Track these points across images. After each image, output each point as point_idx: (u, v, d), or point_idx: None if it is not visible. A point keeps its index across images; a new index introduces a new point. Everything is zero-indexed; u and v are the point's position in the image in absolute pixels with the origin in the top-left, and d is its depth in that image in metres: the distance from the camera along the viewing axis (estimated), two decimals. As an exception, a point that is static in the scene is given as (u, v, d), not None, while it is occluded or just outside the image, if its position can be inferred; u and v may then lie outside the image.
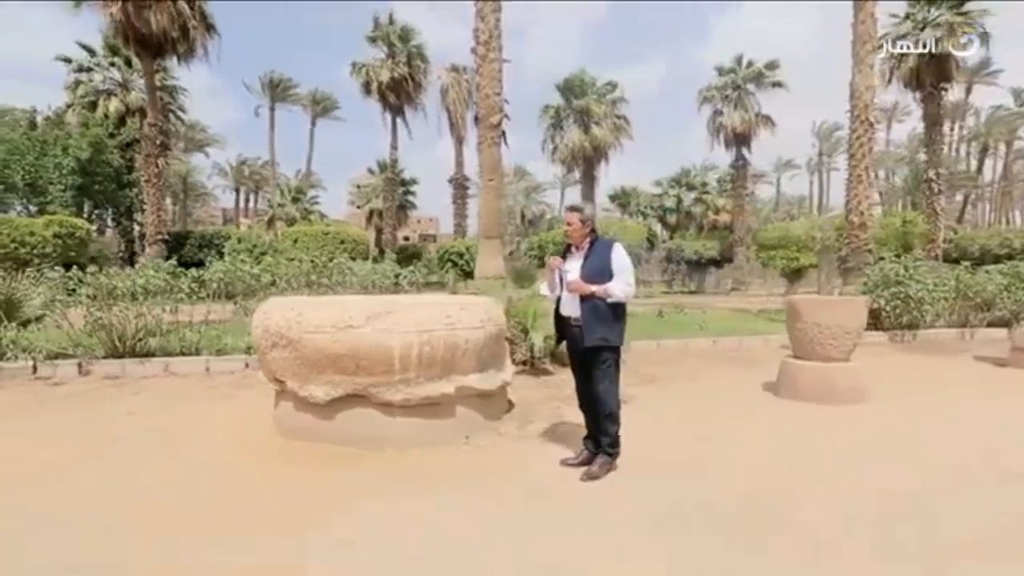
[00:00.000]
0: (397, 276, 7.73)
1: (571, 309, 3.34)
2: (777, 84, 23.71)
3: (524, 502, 3.01)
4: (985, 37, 18.69)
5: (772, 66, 23.64)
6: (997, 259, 15.80)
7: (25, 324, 7.06)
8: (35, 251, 16.72)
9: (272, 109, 49.21)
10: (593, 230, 3.37)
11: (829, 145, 50.97)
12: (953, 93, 25.06)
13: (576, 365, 3.47)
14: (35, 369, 6.48)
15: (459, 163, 28.20)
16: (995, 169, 47.25)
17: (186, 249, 21.96)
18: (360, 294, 7.41)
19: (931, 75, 18.55)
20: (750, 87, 24.10)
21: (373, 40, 25.71)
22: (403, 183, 32.47)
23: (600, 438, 3.33)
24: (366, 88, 25.59)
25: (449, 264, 20.09)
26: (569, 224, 3.37)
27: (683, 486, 3.17)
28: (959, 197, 39.67)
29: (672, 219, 31.02)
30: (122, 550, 2.50)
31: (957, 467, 3.49)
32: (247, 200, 58.58)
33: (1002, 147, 44.67)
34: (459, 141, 27.40)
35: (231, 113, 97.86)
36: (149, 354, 6.94)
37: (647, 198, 32.04)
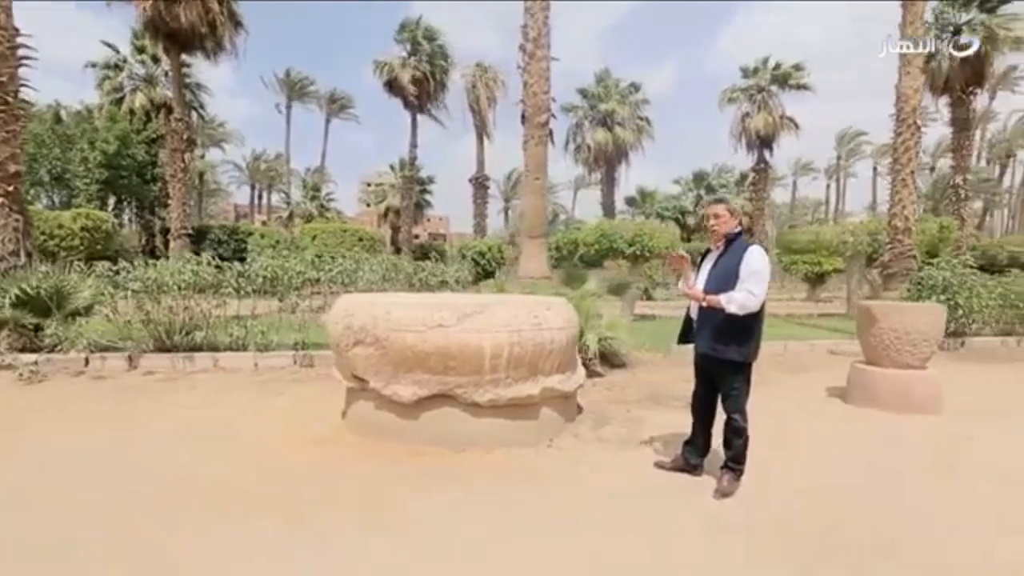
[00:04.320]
0: (443, 274, 7.67)
1: (694, 311, 3.24)
2: (803, 86, 23.49)
3: (612, 507, 2.94)
4: (1017, 42, 18.37)
5: (799, 67, 23.43)
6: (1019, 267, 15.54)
7: (73, 316, 7.06)
8: (63, 244, 16.84)
9: (289, 107, 49.53)
10: (740, 223, 3.14)
11: (848, 150, 50.51)
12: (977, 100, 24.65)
13: (697, 369, 3.35)
14: (87, 362, 6.48)
15: (480, 162, 28.18)
16: (1013, 176, 46.72)
17: (205, 243, 22.06)
18: (407, 291, 7.36)
19: (963, 79, 18.29)
20: (774, 89, 23.90)
21: (400, 40, 25.76)
22: (420, 182, 32.51)
23: (724, 452, 3.19)
24: (388, 86, 25.61)
25: (471, 263, 20.02)
26: (717, 217, 3.09)
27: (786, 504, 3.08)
28: (978, 204, 39.17)
29: (690, 221, 30.78)
30: (197, 539, 2.46)
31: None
32: (260, 196, 58.84)
33: (1022, 154, 44.11)
34: (482, 140, 27.39)
35: (244, 109, 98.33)
36: (196, 348, 6.93)
37: (665, 199, 31.81)
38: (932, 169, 41.58)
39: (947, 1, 17.83)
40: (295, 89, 48.89)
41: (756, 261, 2.96)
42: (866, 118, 59.72)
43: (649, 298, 20.37)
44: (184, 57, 19.29)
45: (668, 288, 28.34)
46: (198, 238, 21.60)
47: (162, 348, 6.85)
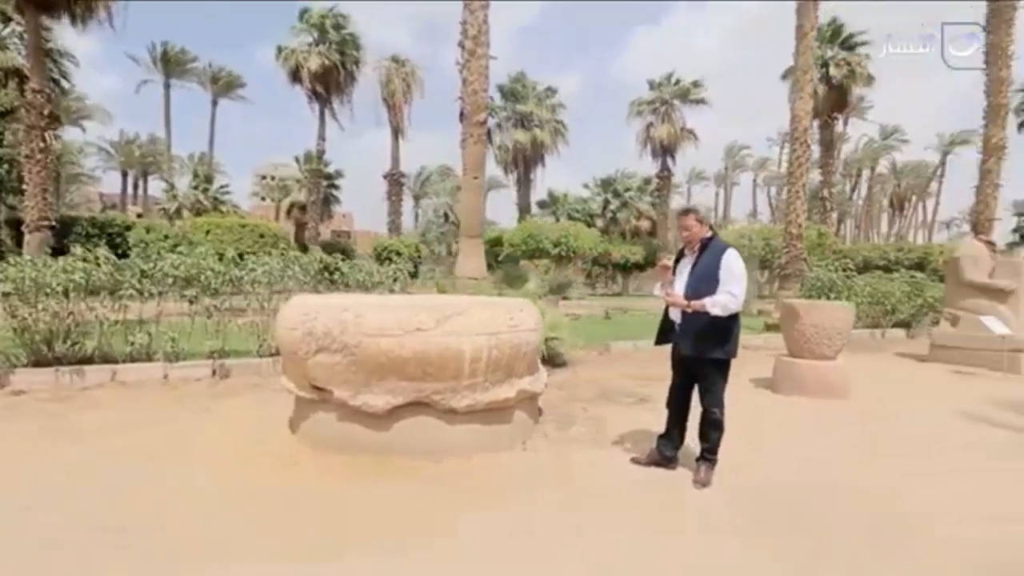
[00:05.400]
0: (379, 273, 7.30)
1: (675, 314, 3.34)
2: (700, 101, 25.67)
3: (600, 506, 2.98)
4: (870, 79, 21.56)
5: (697, 84, 25.56)
6: (878, 269, 18.23)
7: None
8: None
9: (167, 85, 44.13)
10: (711, 228, 3.31)
11: (733, 162, 56.05)
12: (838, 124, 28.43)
13: (676, 366, 3.47)
14: (-67, 381, 5.30)
15: (395, 158, 27.22)
16: (859, 191, 54.79)
17: (72, 237, 19.07)
18: (341, 292, 6.89)
19: (830, 106, 21.05)
20: (676, 103, 25.84)
21: (303, 27, 24.11)
22: (327, 177, 30.74)
23: (701, 444, 3.33)
24: (293, 75, 23.92)
25: (387, 262, 19.31)
26: (687, 229, 3.26)
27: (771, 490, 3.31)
28: (834, 215, 45.38)
29: (599, 223, 32.25)
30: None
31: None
32: (135, 185, 52.11)
33: (866, 172, 52.02)
34: (397, 136, 26.45)
35: (112, 84, 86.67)
36: (86, 360, 5.96)
37: (575, 201, 33.03)
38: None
39: (817, 38, 20.44)
40: (172, 65, 43.58)
41: (734, 264, 3.14)
42: (751, 129, 66.80)
43: (566, 298, 21.07)
44: (44, 20, 16.50)
45: (578, 288, 29.56)
46: (62, 231, 18.64)
47: (41, 362, 5.80)
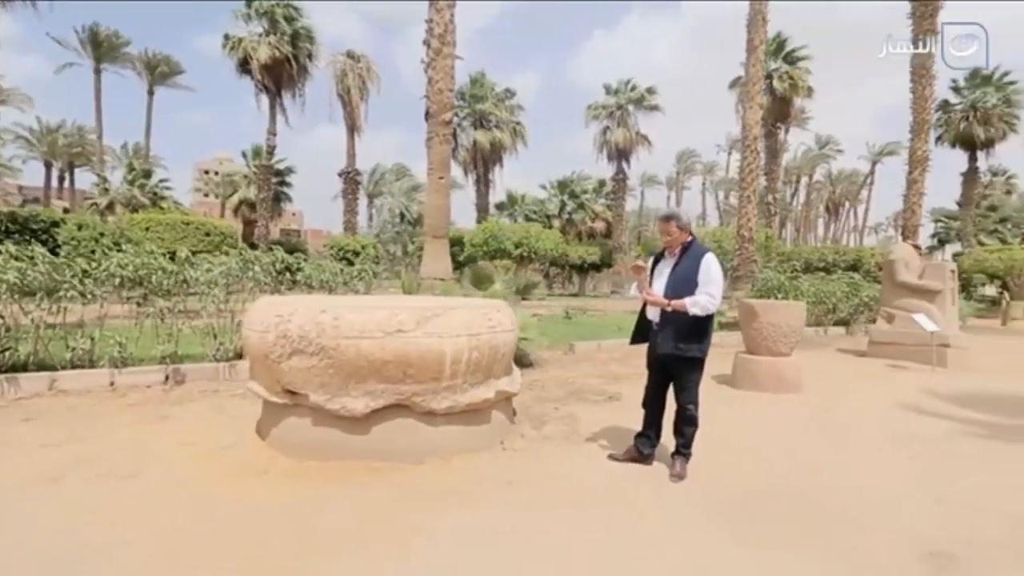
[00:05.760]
0: (343, 273, 7.12)
1: (653, 314, 3.42)
2: (654, 107, 26.49)
3: (585, 502, 3.03)
4: (810, 91, 22.91)
5: (651, 91, 26.37)
6: (818, 270, 19.35)
7: None
8: None
9: (97, 71, 41.05)
10: (690, 232, 3.42)
11: (684, 167, 58.17)
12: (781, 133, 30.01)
13: (652, 365, 3.56)
14: None
15: (351, 155, 26.50)
16: (798, 196, 58.14)
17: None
18: (305, 293, 6.68)
19: (774, 116, 22.23)
20: (631, 108, 26.56)
21: (249, 10, 23.11)
22: (277, 173, 29.60)
23: (676, 439, 3.44)
24: (242, 66, 22.89)
25: (344, 263, 18.83)
26: (668, 234, 3.37)
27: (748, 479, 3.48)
28: (777, 219, 47.95)
29: (556, 225, 32.65)
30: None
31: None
32: (61, 177, 48.31)
33: (804, 179, 55.34)
34: (352, 132, 25.76)
35: (33, 68, 79.93)
36: (19, 367, 5.50)
37: (533, 202, 33.30)
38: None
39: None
40: (104, 49, 40.54)
41: (713, 267, 3.29)
42: (699, 132, 69.60)
43: (526, 299, 21.22)
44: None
45: (539, 288, 29.83)
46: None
47: (-33, 370, 5.30)
